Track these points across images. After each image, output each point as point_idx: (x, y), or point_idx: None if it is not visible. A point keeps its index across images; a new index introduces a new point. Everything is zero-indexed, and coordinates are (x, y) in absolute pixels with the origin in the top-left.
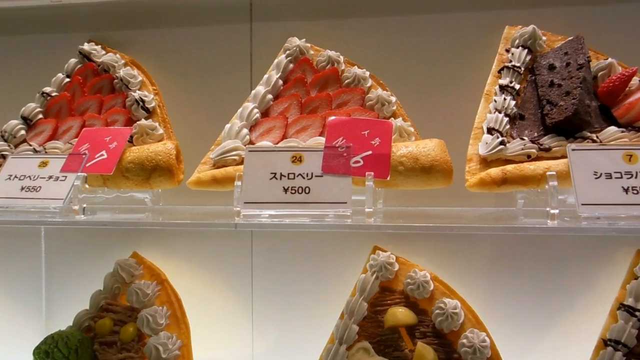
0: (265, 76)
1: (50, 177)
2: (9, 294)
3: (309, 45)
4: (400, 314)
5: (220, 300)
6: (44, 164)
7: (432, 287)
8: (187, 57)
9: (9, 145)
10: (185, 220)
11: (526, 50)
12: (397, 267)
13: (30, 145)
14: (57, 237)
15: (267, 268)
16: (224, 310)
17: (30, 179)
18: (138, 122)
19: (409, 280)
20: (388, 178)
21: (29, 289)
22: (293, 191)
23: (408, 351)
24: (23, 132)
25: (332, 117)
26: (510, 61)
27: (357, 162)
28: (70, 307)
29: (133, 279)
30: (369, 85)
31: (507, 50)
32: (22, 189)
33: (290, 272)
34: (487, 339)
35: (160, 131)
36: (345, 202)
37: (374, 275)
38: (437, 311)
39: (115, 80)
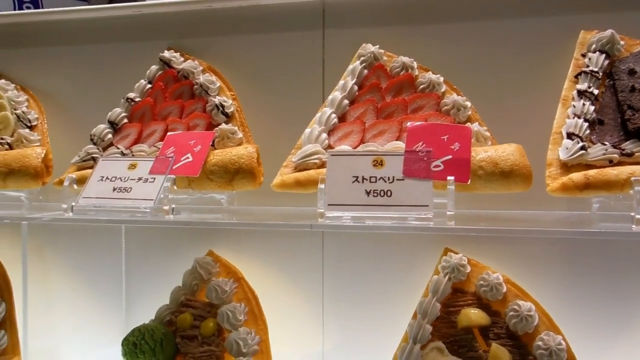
0: (341, 82)
1: (139, 179)
2: (91, 289)
3: (382, 51)
4: (473, 315)
5: (292, 299)
6: (133, 167)
7: (505, 290)
8: (262, 63)
9: (98, 148)
10: (261, 221)
11: (604, 55)
12: (469, 269)
13: (118, 148)
14: (136, 235)
15: (338, 268)
16: (295, 307)
17: (121, 180)
18: (219, 127)
19: (481, 282)
20: (469, 182)
21: (110, 284)
22: (375, 194)
23: (482, 352)
24: (110, 135)
25: (412, 123)
26: (588, 66)
27: (438, 166)
28: (148, 301)
29: (210, 277)
30: (443, 90)
31: (584, 55)
32: (114, 189)
33: (359, 272)
34: (563, 342)
35: (240, 135)
36: (427, 205)
37: (447, 277)
38: (511, 313)
39: (195, 86)
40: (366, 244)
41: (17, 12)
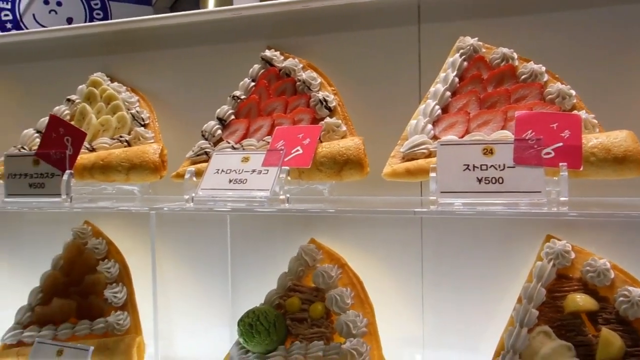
0: (442, 75)
1: (253, 171)
2: (199, 276)
3: (481, 43)
4: (581, 300)
5: (391, 285)
6: (245, 160)
7: (612, 275)
8: (359, 60)
9: (209, 143)
10: (367, 208)
11: None
12: (573, 255)
13: (228, 142)
14: (241, 225)
15: (436, 254)
16: (395, 294)
17: (236, 172)
18: (325, 120)
19: (588, 268)
20: (581, 169)
21: (216, 272)
22: (487, 181)
23: (592, 336)
24: (220, 131)
25: (519, 112)
26: None
27: (548, 153)
28: (251, 287)
29: (315, 263)
30: (545, 79)
31: None
32: (230, 181)
33: (457, 259)
34: None
35: (344, 128)
36: (540, 191)
37: (551, 263)
38: (621, 298)
39: (298, 83)
40: (464, 232)
41: (124, 20)
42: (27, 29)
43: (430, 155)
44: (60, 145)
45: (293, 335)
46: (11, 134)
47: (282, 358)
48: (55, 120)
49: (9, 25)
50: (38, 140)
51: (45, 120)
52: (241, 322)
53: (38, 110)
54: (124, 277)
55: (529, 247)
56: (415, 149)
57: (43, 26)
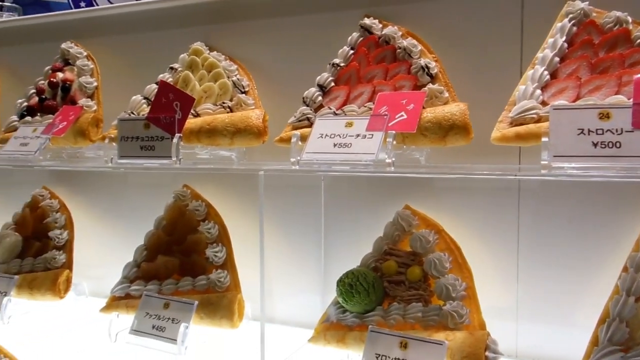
0: (550, 40)
1: (357, 135)
2: (294, 239)
3: (591, 7)
4: None
5: (485, 254)
6: (349, 125)
7: None
8: (459, 27)
9: (310, 109)
10: (469, 172)
11: None
12: None
13: (330, 109)
14: (334, 190)
15: (533, 222)
16: (489, 262)
17: (340, 137)
18: (427, 87)
19: None
20: None
21: (310, 236)
22: (603, 145)
23: None
24: (320, 98)
25: (638, 75)
26: None
27: None
28: (344, 252)
29: (411, 228)
30: None
31: None
32: (335, 145)
33: (557, 228)
34: None
35: (446, 95)
36: None
37: None
38: None
39: (398, 50)
40: (563, 200)
41: None
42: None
43: (540, 120)
44: (169, 110)
45: (390, 297)
46: (120, 101)
47: (381, 318)
48: (165, 86)
49: (82, 4)
50: (145, 106)
51: (151, 87)
52: (340, 282)
53: (144, 79)
54: (223, 238)
55: (631, 215)
56: (525, 113)
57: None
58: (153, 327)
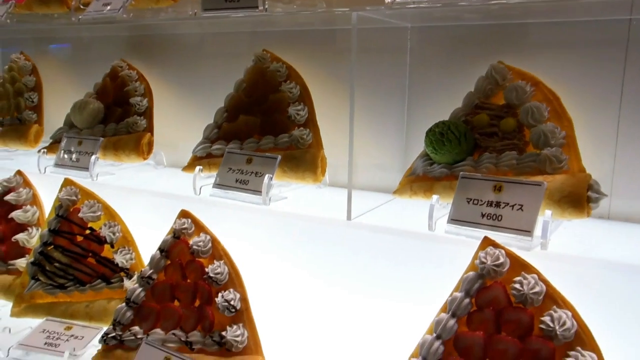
0: None
1: None
2: (375, 92)
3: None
4: None
5: (581, 120)
6: None
7: None
8: None
9: None
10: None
11: None
12: None
13: None
14: (420, 45)
15: None
16: (586, 120)
17: None
18: None
19: None
20: None
21: (394, 89)
22: None
23: None
24: None
25: None
26: None
27: None
28: (428, 109)
29: (505, 82)
30: None
31: None
32: None
33: None
34: None
35: None
36: None
37: None
38: None
39: None
40: None
41: None
42: None
43: None
44: None
45: (482, 148)
46: None
47: (471, 167)
48: None
49: None
50: None
51: None
52: (431, 132)
53: None
54: (304, 98)
55: None
56: None
57: None
58: (236, 180)
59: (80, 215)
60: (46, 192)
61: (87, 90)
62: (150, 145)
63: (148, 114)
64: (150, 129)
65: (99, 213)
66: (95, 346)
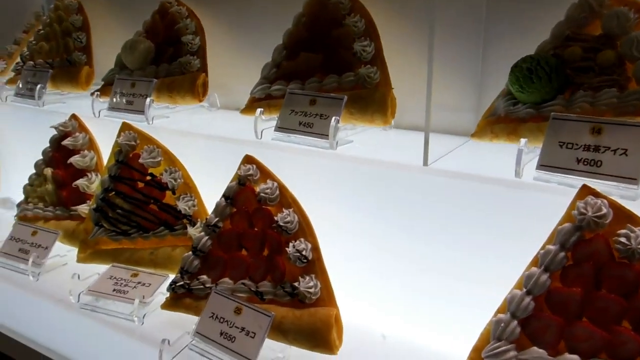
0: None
1: None
2: (450, 20)
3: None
4: None
5: None
6: None
7: None
8: None
9: None
10: None
11: None
12: None
13: None
14: None
15: None
16: None
17: None
18: None
19: None
20: None
21: (469, 14)
22: None
23: None
24: None
25: None
26: None
27: None
28: (508, 37)
29: (601, 9)
30: None
31: None
32: None
33: None
34: None
35: None
36: None
37: None
38: None
39: None
40: None
41: None
42: None
43: None
44: None
45: (574, 85)
46: None
47: (562, 107)
48: None
49: None
50: None
51: None
52: (517, 68)
53: None
54: (370, 32)
55: None
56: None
57: None
58: (300, 123)
59: (140, 161)
60: (101, 136)
61: (135, 28)
62: (205, 86)
63: (201, 53)
64: (204, 68)
65: (159, 158)
66: (162, 293)
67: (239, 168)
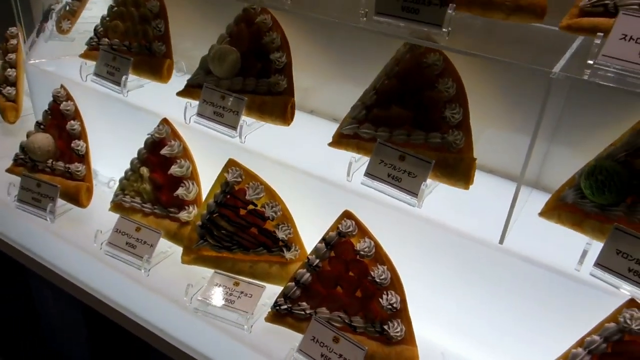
0: None
1: None
2: None
3: None
4: None
5: None
6: None
7: None
8: None
9: None
10: None
11: None
12: None
13: None
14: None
15: None
16: None
17: None
18: None
19: None
20: None
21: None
22: None
23: None
24: None
25: None
26: None
27: None
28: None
29: None
30: None
31: None
32: None
33: None
34: None
35: None
36: None
37: None
38: None
39: None
40: None
41: None
42: None
43: None
44: None
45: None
46: None
47: (624, 215)
48: None
49: None
50: None
51: None
52: (592, 177)
53: None
54: (460, 97)
55: None
56: None
57: None
58: (388, 175)
59: (247, 197)
60: (187, 136)
61: (212, 17)
62: (292, 108)
63: (287, 71)
64: (290, 90)
65: (262, 195)
66: (262, 305)
67: (340, 223)
